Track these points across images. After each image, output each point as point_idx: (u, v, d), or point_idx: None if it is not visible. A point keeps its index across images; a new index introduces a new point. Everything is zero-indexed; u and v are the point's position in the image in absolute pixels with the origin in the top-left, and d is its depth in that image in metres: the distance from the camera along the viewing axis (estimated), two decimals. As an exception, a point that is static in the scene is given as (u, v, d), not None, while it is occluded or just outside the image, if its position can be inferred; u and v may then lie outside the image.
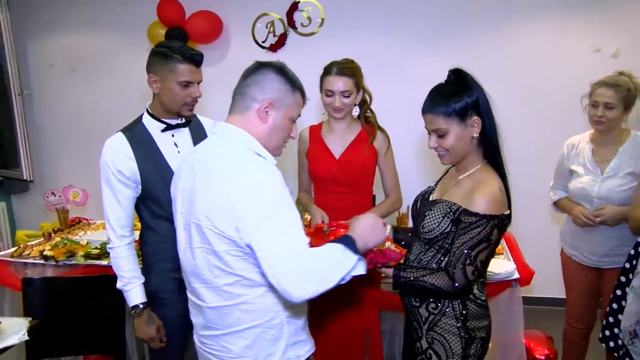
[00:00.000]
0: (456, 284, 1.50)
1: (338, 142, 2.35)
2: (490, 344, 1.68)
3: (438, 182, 1.78)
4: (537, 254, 2.73)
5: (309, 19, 4.02)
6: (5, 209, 4.63)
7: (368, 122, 2.37)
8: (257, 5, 4.09)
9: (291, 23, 4.05)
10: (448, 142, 1.55)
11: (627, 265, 2.12)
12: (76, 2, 4.39)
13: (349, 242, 1.37)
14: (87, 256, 2.65)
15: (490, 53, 3.71)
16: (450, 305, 1.58)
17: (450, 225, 1.54)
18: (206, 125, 2.13)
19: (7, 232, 4.56)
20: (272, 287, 1.39)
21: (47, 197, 3.26)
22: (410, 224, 2.59)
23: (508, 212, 1.54)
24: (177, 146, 2.00)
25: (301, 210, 2.42)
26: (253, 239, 1.29)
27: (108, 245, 1.99)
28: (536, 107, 3.69)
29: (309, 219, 2.39)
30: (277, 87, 1.45)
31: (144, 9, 4.08)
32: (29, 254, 2.76)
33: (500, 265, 2.31)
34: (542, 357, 2.79)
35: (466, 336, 1.57)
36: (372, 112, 2.38)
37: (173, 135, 2.01)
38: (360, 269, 1.37)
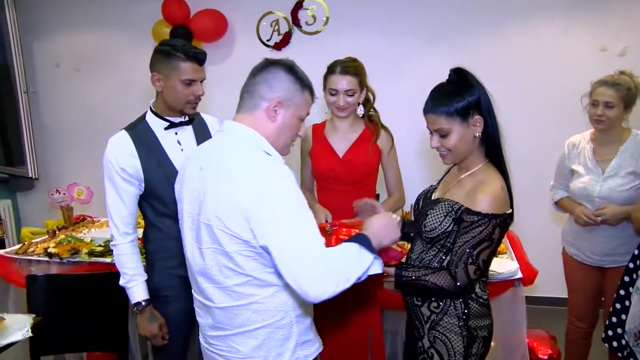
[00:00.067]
0: (458, 283, 1.50)
1: (341, 140, 2.35)
2: (493, 343, 1.68)
3: (440, 180, 1.78)
4: (539, 253, 2.72)
5: (314, 17, 4.02)
6: (11, 206, 4.65)
7: (371, 121, 2.37)
8: (262, 4, 4.09)
9: (296, 22, 4.05)
10: (450, 142, 1.55)
11: (631, 265, 2.11)
12: (81, 1, 4.41)
13: (364, 241, 1.36)
14: (91, 254, 2.66)
15: (493, 52, 3.70)
16: (452, 304, 1.58)
17: (452, 224, 1.54)
18: (210, 123, 2.14)
19: (13, 229, 4.58)
20: (282, 287, 1.39)
21: (52, 194, 3.28)
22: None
23: (510, 211, 1.54)
24: (180, 144, 2.01)
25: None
26: (270, 242, 1.27)
27: (111, 243, 2.00)
28: (538, 106, 3.68)
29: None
30: (286, 85, 1.43)
31: (149, 7, 4.09)
32: (33, 251, 2.78)
33: (504, 265, 2.30)
34: (545, 357, 2.78)
35: (468, 335, 1.57)
36: (375, 110, 2.38)
37: (176, 133, 2.02)
38: (377, 268, 1.37)
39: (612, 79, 2.33)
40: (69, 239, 2.85)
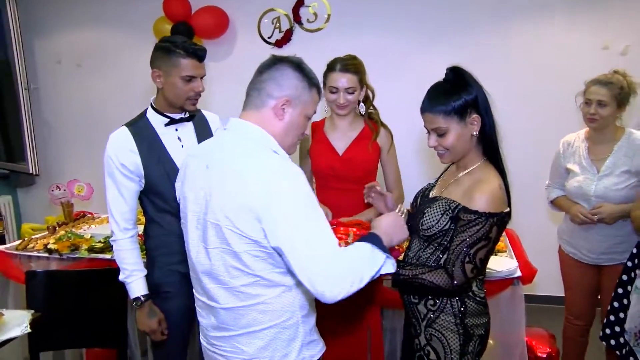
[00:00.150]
0: (455, 282, 1.49)
1: (341, 138, 2.35)
2: (492, 342, 1.68)
3: (438, 178, 1.78)
4: (538, 251, 2.72)
5: (315, 14, 4.02)
6: (11, 202, 4.66)
7: (371, 119, 2.37)
8: (263, 1, 4.10)
9: (297, 19, 4.05)
10: (448, 141, 1.54)
11: (629, 264, 2.11)
12: (83, -3, 4.42)
13: (375, 240, 1.36)
14: (91, 250, 2.66)
15: (493, 51, 3.70)
16: (449, 302, 1.57)
17: (449, 223, 1.54)
18: (211, 120, 2.14)
19: (13, 225, 4.59)
20: (289, 287, 1.39)
21: (52, 190, 3.28)
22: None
23: (508, 209, 1.54)
24: (180, 140, 2.02)
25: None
26: (283, 242, 1.26)
27: (111, 238, 2.01)
28: (538, 105, 3.68)
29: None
30: (294, 84, 1.42)
31: (150, 4, 4.09)
32: (33, 247, 2.78)
33: (503, 263, 2.30)
34: (544, 355, 2.78)
35: (464, 333, 1.57)
36: (375, 108, 2.38)
37: (177, 130, 2.02)
38: (389, 267, 1.37)
39: (605, 78, 2.36)
40: (69, 235, 2.86)
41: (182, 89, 1.91)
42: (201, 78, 1.95)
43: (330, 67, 2.25)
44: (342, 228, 1.65)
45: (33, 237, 2.95)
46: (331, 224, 1.69)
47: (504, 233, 2.62)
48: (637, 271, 2.06)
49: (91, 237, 2.83)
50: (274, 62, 1.44)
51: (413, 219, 1.66)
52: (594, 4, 3.55)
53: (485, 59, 3.59)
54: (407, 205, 2.70)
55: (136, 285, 1.96)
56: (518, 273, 2.26)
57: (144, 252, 2.10)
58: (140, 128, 1.97)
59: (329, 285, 1.24)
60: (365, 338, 2.35)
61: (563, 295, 2.74)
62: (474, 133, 1.54)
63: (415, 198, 1.79)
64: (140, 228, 2.09)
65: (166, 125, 1.99)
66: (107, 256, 2.59)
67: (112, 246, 2.01)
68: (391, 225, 1.47)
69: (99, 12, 4.42)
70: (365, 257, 1.32)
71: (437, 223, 1.55)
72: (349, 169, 2.32)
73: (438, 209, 1.56)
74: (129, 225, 1.97)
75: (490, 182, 1.51)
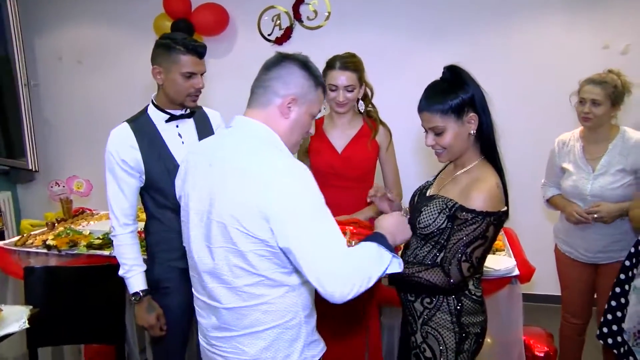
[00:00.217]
0: (451, 280, 1.50)
1: (340, 136, 2.35)
2: (489, 340, 1.68)
3: (436, 177, 1.78)
4: (536, 250, 2.71)
5: (315, 12, 4.01)
6: (11, 198, 4.66)
7: (370, 117, 2.37)
8: (263, -2, 4.09)
9: (297, 16, 4.04)
10: (445, 139, 1.54)
11: (627, 263, 2.12)
12: (83, -6, 4.42)
13: (381, 239, 1.36)
14: (90, 246, 2.66)
15: (494, 50, 3.69)
16: (445, 300, 1.58)
17: (446, 221, 1.54)
18: (212, 117, 2.15)
19: (13, 221, 4.59)
20: (292, 287, 1.38)
21: (51, 187, 3.28)
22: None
23: (505, 208, 1.54)
24: (181, 137, 2.03)
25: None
26: (292, 243, 1.25)
27: (111, 234, 2.02)
28: (538, 104, 3.67)
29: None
30: (300, 82, 1.40)
31: (151, 1, 4.09)
32: (32, 243, 2.78)
33: (501, 262, 2.30)
34: (542, 354, 2.78)
35: (460, 331, 1.57)
36: (373, 106, 2.38)
37: (177, 126, 2.03)
38: (395, 267, 1.36)
39: (599, 77, 2.37)
40: (68, 231, 2.86)
41: (183, 86, 1.92)
42: (201, 75, 1.96)
43: (330, 65, 2.25)
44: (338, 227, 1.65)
45: (32, 233, 2.96)
46: None
47: (502, 232, 2.63)
48: (635, 270, 2.06)
49: (90, 233, 2.83)
50: (281, 59, 1.43)
51: (410, 217, 1.67)
52: (594, 3, 3.54)
53: (485, 58, 3.59)
54: (405, 203, 2.71)
55: (135, 280, 1.97)
56: (516, 272, 2.26)
57: (144, 248, 2.10)
58: (141, 124, 1.98)
59: (339, 286, 1.24)
60: (364, 335, 2.35)
61: (560, 294, 2.74)
62: (472, 132, 1.54)
63: (413, 196, 1.79)
64: (141, 225, 2.10)
65: (167, 121, 2.00)
66: (106, 252, 2.59)
67: (111, 242, 2.02)
68: (395, 224, 1.48)
69: (99, 8, 4.42)
70: (372, 257, 1.32)
71: (434, 221, 1.55)
72: (348, 167, 2.32)
73: (435, 208, 1.56)
74: (129, 220, 1.98)
75: (488, 181, 1.52)
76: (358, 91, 2.27)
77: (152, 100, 2.02)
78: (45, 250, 2.69)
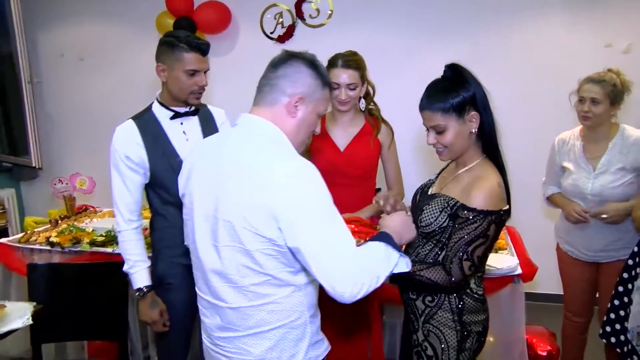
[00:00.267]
0: (452, 279, 1.49)
1: (342, 134, 2.35)
2: (492, 339, 1.68)
3: (438, 175, 1.78)
4: (538, 249, 2.71)
5: (318, 10, 4.01)
6: (14, 195, 4.67)
7: (372, 115, 2.37)
8: (266, -4, 4.09)
9: (300, 14, 4.04)
10: (447, 138, 1.54)
11: (631, 262, 2.11)
12: (86, -9, 4.42)
13: (388, 239, 1.36)
14: (93, 243, 2.67)
15: (495, 49, 3.69)
16: (447, 298, 1.58)
17: (447, 220, 1.54)
18: (216, 115, 2.16)
19: (16, 218, 4.61)
20: (298, 287, 1.37)
21: (55, 184, 3.30)
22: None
23: (507, 207, 1.54)
24: (185, 134, 2.04)
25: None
26: (301, 243, 1.25)
27: (116, 229, 2.03)
28: (539, 103, 3.66)
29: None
30: (308, 82, 1.40)
31: (153, -1, 4.09)
32: (35, 240, 2.79)
33: (503, 261, 2.30)
34: (544, 354, 2.78)
35: (462, 330, 1.57)
36: (375, 104, 2.38)
37: (182, 124, 2.04)
38: (403, 266, 1.37)
39: (598, 76, 2.37)
40: (71, 228, 2.87)
41: (186, 83, 1.93)
42: (205, 72, 1.97)
43: (332, 63, 2.25)
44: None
45: (35, 230, 2.97)
46: None
47: (505, 230, 2.63)
48: (639, 269, 2.06)
49: (93, 230, 2.84)
50: (288, 57, 1.42)
51: (412, 215, 1.67)
52: (594, 3, 3.53)
53: (486, 58, 3.59)
54: (406, 201, 2.71)
55: (139, 275, 1.98)
56: (518, 270, 2.26)
57: (150, 245, 2.12)
58: (145, 121, 1.99)
59: (349, 286, 1.24)
60: (366, 334, 2.35)
61: (562, 293, 2.74)
62: (473, 130, 1.54)
63: (415, 195, 1.78)
64: (146, 223, 2.12)
65: (171, 118, 2.02)
66: (109, 250, 2.60)
67: (114, 239, 2.03)
68: (401, 224, 1.48)
69: (102, 6, 4.43)
70: (380, 257, 1.32)
71: (435, 220, 1.55)
72: (350, 165, 2.32)
73: (437, 206, 1.56)
74: (134, 216, 1.99)
75: (489, 180, 1.51)
76: (360, 89, 2.27)
77: (156, 98, 2.04)
78: (48, 248, 2.70)
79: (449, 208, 1.53)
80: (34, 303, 1.99)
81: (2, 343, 1.90)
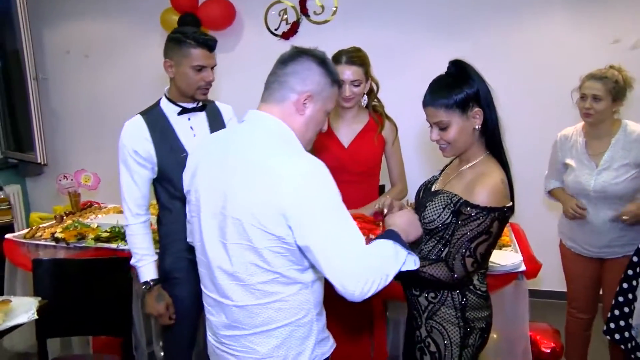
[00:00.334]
0: (455, 275, 1.49)
1: (346, 131, 2.35)
2: (495, 336, 1.67)
3: (442, 172, 1.77)
4: (542, 246, 2.70)
5: (322, 7, 4.00)
6: (20, 191, 4.69)
7: (375, 111, 2.37)
8: (270, -7, 4.08)
9: (304, 11, 4.03)
10: (450, 134, 1.54)
11: (635, 259, 2.11)
12: (91, -12, 4.43)
13: (395, 237, 1.36)
14: (97, 239, 2.68)
15: (498, 46, 3.67)
16: (450, 295, 1.58)
17: (450, 217, 1.53)
18: (224, 111, 2.18)
19: (22, 214, 4.63)
20: (306, 285, 1.37)
21: (60, 180, 3.31)
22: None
23: (510, 204, 1.53)
24: (193, 130, 2.06)
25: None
26: (311, 241, 1.25)
27: (124, 224, 2.06)
28: (543, 100, 3.64)
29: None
30: (317, 79, 1.38)
31: (158, -5, 4.10)
32: (41, 236, 2.81)
33: (507, 257, 2.29)
34: (548, 350, 2.79)
35: (465, 326, 1.57)
36: (379, 101, 2.38)
37: (189, 119, 2.06)
38: (410, 264, 1.36)
39: (599, 73, 2.36)
40: (76, 224, 2.88)
41: (193, 79, 1.95)
42: (212, 68, 1.98)
43: (336, 60, 2.24)
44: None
45: (41, 226, 2.98)
46: None
47: (509, 227, 2.62)
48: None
49: (97, 226, 2.85)
50: (298, 54, 1.41)
51: (415, 211, 1.66)
52: (595, 1, 3.51)
53: (489, 55, 3.57)
54: (410, 198, 2.71)
55: (146, 269, 2.01)
56: (522, 267, 2.25)
57: (158, 240, 2.13)
58: (154, 117, 2.01)
59: (359, 285, 1.24)
60: (369, 331, 2.36)
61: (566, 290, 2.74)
62: (476, 127, 1.54)
63: (419, 191, 1.78)
64: (153, 219, 2.13)
65: (179, 114, 2.03)
66: (113, 245, 2.62)
67: (119, 235, 2.04)
68: (407, 222, 1.49)
69: (107, 2, 4.43)
70: (389, 255, 1.32)
71: (438, 217, 1.55)
72: (354, 162, 2.32)
73: (440, 203, 1.56)
74: (141, 211, 2.02)
75: (492, 176, 1.51)
76: (364, 86, 2.27)
77: (165, 94, 2.06)
78: (53, 243, 2.72)
79: (452, 205, 1.53)
80: (39, 298, 2.00)
81: (7, 338, 1.91)
